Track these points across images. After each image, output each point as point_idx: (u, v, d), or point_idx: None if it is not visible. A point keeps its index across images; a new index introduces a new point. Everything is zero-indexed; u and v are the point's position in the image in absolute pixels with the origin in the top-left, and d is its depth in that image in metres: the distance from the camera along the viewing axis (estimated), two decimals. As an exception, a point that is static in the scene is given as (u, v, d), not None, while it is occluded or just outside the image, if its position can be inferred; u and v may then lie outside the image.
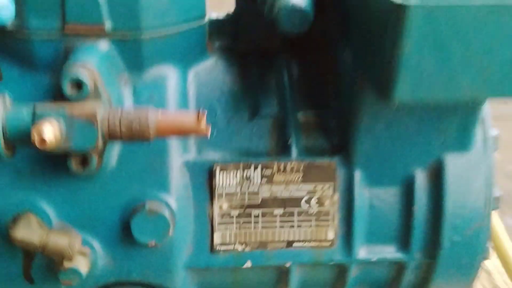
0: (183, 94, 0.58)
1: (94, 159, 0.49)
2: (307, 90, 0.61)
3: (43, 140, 0.44)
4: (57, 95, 0.50)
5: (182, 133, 0.49)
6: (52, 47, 0.53)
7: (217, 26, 0.63)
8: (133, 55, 0.55)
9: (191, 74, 0.60)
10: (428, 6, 0.41)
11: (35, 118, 0.46)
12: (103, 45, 0.54)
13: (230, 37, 0.64)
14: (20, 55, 0.54)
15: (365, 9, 0.50)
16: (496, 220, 0.74)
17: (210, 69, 0.61)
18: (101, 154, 0.50)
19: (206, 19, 0.60)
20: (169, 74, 0.57)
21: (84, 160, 0.49)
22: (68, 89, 0.48)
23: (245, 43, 0.64)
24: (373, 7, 0.48)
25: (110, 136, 0.47)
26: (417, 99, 0.46)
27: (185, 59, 0.59)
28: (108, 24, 0.53)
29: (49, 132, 0.44)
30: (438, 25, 0.42)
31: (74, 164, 0.49)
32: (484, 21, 0.42)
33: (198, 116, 0.48)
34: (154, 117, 0.48)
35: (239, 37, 0.64)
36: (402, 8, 0.41)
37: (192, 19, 0.58)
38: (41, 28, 0.53)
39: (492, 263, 0.92)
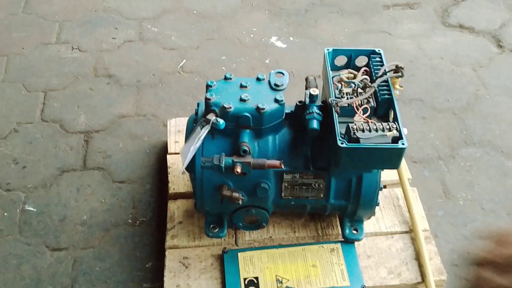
0: (274, 146, 1.67)
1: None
2: (318, 143, 1.69)
3: (237, 172, 1.56)
4: (236, 150, 1.61)
5: (275, 167, 1.60)
6: (230, 129, 1.63)
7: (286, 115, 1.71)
8: (258, 133, 1.65)
9: (277, 137, 1.69)
10: (347, 147, 1.49)
11: (234, 163, 1.58)
12: (249, 131, 1.63)
13: (291, 119, 1.72)
14: (220, 131, 1.64)
15: (333, 141, 1.57)
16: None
17: (284, 133, 1.70)
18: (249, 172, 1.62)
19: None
20: (269, 138, 1.67)
21: (244, 173, 1.61)
22: (241, 153, 1.59)
23: (296, 122, 1.71)
24: (334, 143, 1.54)
25: (253, 168, 1.59)
26: (345, 170, 1.57)
27: (275, 131, 1.68)
28: (251, 123, 1.62)
29: (239, 169, 1.56)
30: (353, 152, 1.50)
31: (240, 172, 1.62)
32: (368, 152, 1.50)
33: (280, 163, 1.59)
34: (266, 162, 1.59)
35: (295, 120, 1.71)
36: (339, 147, 1.49)
37: (279, 118, 1.66)
38: (228, 126, 1.62)
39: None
